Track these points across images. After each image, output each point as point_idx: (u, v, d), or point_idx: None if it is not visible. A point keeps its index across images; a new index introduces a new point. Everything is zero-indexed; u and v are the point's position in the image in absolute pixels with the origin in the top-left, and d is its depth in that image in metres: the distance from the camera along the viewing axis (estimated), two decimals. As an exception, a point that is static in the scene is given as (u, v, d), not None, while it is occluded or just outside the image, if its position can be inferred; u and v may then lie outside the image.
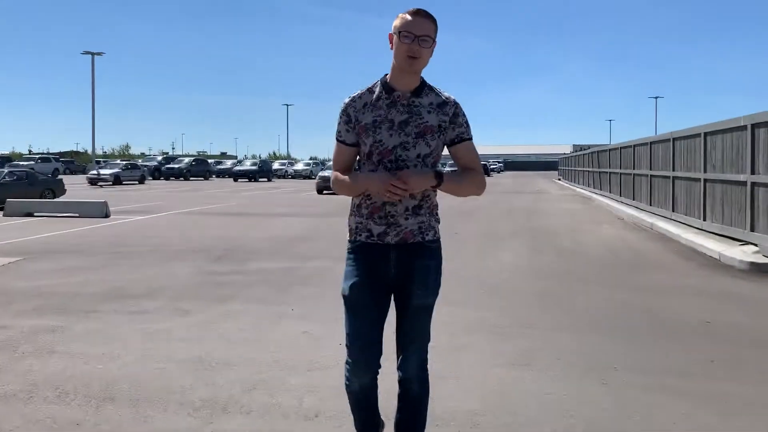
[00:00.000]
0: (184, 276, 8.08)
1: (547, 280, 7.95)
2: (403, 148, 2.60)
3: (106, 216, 16.26)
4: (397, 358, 2.79)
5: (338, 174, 2.72)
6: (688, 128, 13.62)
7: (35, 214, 16.73)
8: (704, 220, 12.25)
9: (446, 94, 2.70)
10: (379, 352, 2.69)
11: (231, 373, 4.40)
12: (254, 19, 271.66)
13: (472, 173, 2.72)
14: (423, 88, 2.66)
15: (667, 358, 4.81)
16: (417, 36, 2.52)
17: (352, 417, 2.90)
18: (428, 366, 2.87)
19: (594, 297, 6.98)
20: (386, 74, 2.68)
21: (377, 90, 2.66)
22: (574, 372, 4.48)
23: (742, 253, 9.34)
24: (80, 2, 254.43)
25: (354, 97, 2.68)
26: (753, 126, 9.95)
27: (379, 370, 2.73)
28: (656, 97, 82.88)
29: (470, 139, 2.72)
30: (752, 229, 9.89)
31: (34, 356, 4.78)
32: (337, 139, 2.72)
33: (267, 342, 5.16)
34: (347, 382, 2.73)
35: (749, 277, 8.28)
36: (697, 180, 12.72)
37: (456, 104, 2.68)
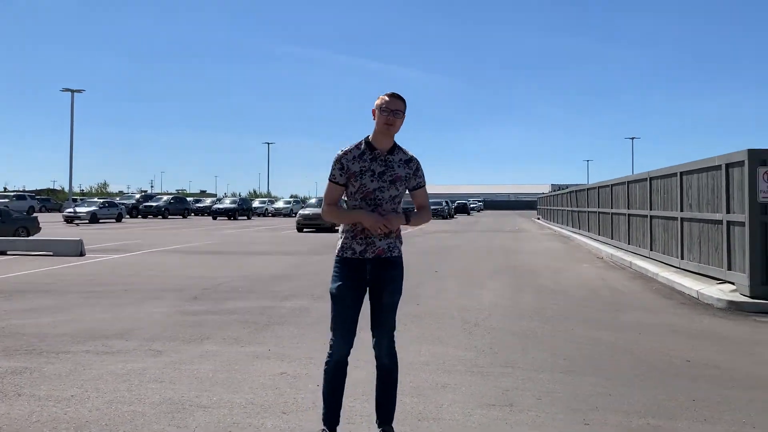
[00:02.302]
0: (159, 316, 7.91)
1: (527, 319, 7.90)
2: (380, 190, 3.66)
3: (81, 254, 16.00)
4: (373, 340, 3.73)
5: (330, 205, 3.74)
6: (664, 168, 13.82)
7: (8, 252, 16.41)
8: (682, 258, 12.34)
9: (410, 153, 3.79)
10: (354, 334, 3.68)
11: (205, 416, 4.27)
12: (235, 58, 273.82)
13: (425, 210, 3.90)
14: (395, 148, 3.74)
15: (648, 398, 4.76)
16: (392, 110, 3.62)
17: None
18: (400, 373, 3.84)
19: (575, 337, 6.93)
20: (368, 135, 3.72)
21: (363, 147, 3.70)
22: (556, 413, 4.41)
23: (719, 292, 9.39)
24: (59, 40, 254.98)
25: (346, 150, 3.70)
26: (727, 166, 10.12)
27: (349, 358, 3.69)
28: (632, 138, 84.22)
29: (425, 186, 3.87)
30: (729, 268, 9.97)
31: (-1, 399, 4.60)
32: (331, 180, 3.71)
33: (242, 383, 5.03)
34: (327, 359, 3.69)
35: (727, 316, 8.31)
36: (674, 219, 12.86)
37: (417, 161, 3.80)
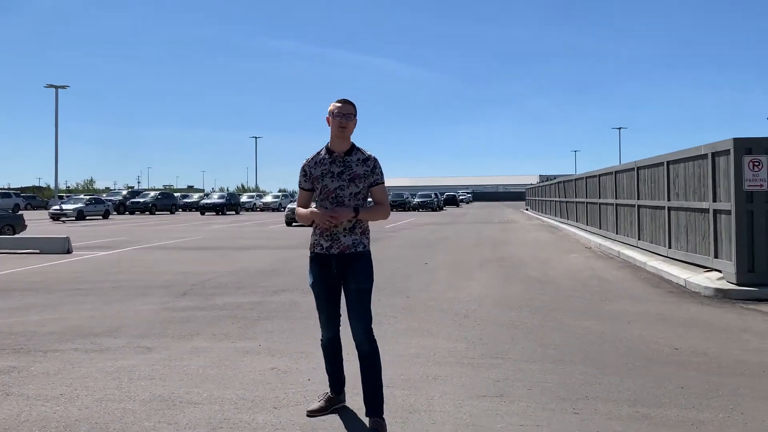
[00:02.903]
0: (148, 313, 7.88)
1: (517, 310, 7.93)
2: (340, 188, 3.96)
3: (68, 252, 15.89)
4: (351, 329, 3.99)
5: (299, 209, 4.13)
6: (651, 157, 13.89)
7: (-6, 250, 16.27)
8: (669, 247, 12.42)
9: (368, 153, 4.06)
10: (337, 318, 4.13)
11: (195, 412, 4.25)
12: (220, 53, 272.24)
13: (381, 206, 4.09)
14: (353, 149, 4.04)
15: (637, 387, 4.79)
16: (344, 114, 3.96)
17: None
18: (381, 354, 4.08)
19: (564, 326, 6.97)
20: (328, 142, 4.07)
21: (323, 153, 4.06)
22: (547, 402, 4.44)
23: (707, 280, 9.46)
24: (43, 36, 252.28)
25: (308, 159, 4.09)
26: (713, 155, 10.18)
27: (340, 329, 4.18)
28: (620, 128, 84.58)
29: (382, 183, 4.08)
30: (716, 256, 10.05)
31: (-13, 399, 4.56)
32: (300, 187, 4.15)
33: (232, 379, 5.02)
34: (321, 338, 4.23)
35: (715, 303, 8.38)
36: (662, 208, 12.94)
37: (375, 160, 4.05)
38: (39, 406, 4.42)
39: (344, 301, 4.05)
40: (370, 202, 4.13)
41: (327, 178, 3.97)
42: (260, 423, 4.06)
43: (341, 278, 3.99)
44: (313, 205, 4.10)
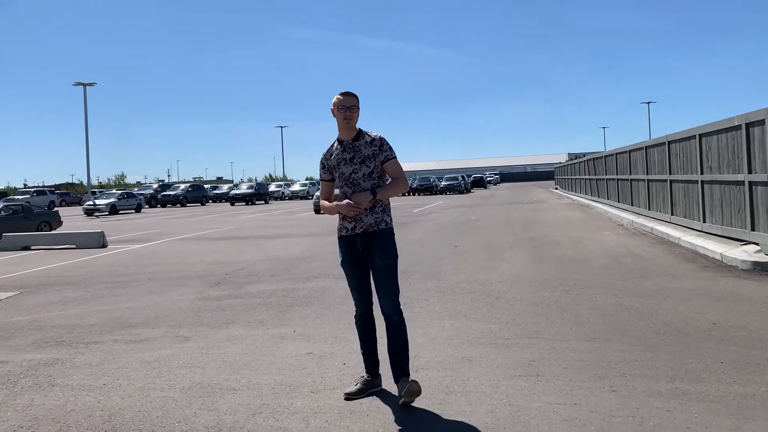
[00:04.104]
0: (184, 302, 8.00)
1: (550, 289, 7.88)
2: (354, 172, 4.20)
3: (104, 246, 16.19)
4: (380, 304, 4.19)
5: (324, 202, 4.38)
6: (682, 131, 13.63)
7: (32, 247, 16.66)
8: (704, 221, 12.21)
9: (373, 134, 4.27)
10: (369, 294, 4.34)
11: (234, 399, 4.32)
12: (245, 44, 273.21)
13: (397, 180, 4.31)
14: (360, 135, 4.27)
15: (675, 363, 4.74)
16: (347, 107, 4.18)
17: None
18: (405, 318, 4.27)
19: (598, 304, 6.91)
20: (338, 134, 4.31)
21: (335, 144, 4.33)
22: (584, 380, 4.41)
23: (743, 253, 9.29)
24: (70, 34, 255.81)
25: (324, 153, 4.39)
26: (747, 125, 9.95)
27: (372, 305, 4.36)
28: (648, 103, 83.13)
29: (394, 158, 4.26)
30: (753, 229, 9.85)
31: (34, 390, 4.70)
32: (321, 179, 4.43)
33: (269, 365, 5.09)
34: (355, 315, 4.43)
35: (752, 277, 8.23)
36: (695, 182, 12.71)
37: (381, 138, 4.25)
38: (83, 395, 4.54)
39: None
40: (388, 180, 4.33)
41: (342, 165, 4.22)
42: (298, 407, 4.11)
43: (367, 255, 4.19)
44: (337, 191, 4.33)
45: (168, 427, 3.87)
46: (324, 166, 4.38)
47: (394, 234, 4.31)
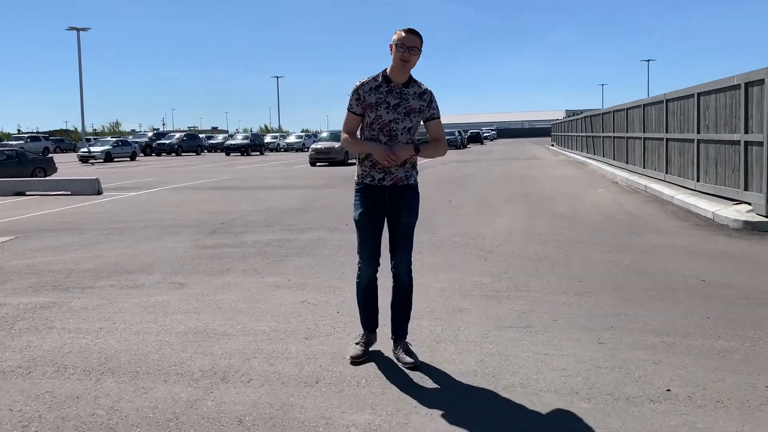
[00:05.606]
0: (180, 250, 8.06)
1: (542, 244, 7.96)
2: (395, 122, 3.82)
3: (99, 193, 16.18)
4: (391, 261, 3.98)
5: (348, 135, 3.92)
6: (681, 89, 13.55)
7: (27, 193, 16.62)
8: (698, 180, 12.26)
9: (424, 86, 3.92)
10: (378, 255, 4.01)
11: (230, 344, 4.40)
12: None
13: (438, 142, 4.03)
14: (410, 81, 3.87)
15: (663, 318, 4.83)
16: (408, 47, 3.72)
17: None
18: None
19: (590, 260, 6.99)
20: (386, 68, 3.86)
21: (380, 79, 3.84)
22: (572, 332, 4.50)
23: (735, 212, 9.36)
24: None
25: (363, 82, 3.86)
26: (746, 84, 9.90)
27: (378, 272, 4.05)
28: (648, 60, 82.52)
29: (439, 118, 3.97)
30: (746, 188, 9.91)
31: (31, 332, 4.77)
32: (349, 110, 3.89)
33: (264, 312, 5.16)
34: (358, 280, 4.07)
35: (743, 236, 8.31)
36: (691, 141, 12.70)
37: (431, 93, 3.92)
38: (80, 338, 4.61)
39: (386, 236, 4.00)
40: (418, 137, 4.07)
41: (382, 108, 3.81)
42: (292, 352, 4.20)
43: (391, 211, 3.91)
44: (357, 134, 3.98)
45: (164, 369, 3.95)
46: (360, 98, 3.84)
47: (419, 192, 4.04)
